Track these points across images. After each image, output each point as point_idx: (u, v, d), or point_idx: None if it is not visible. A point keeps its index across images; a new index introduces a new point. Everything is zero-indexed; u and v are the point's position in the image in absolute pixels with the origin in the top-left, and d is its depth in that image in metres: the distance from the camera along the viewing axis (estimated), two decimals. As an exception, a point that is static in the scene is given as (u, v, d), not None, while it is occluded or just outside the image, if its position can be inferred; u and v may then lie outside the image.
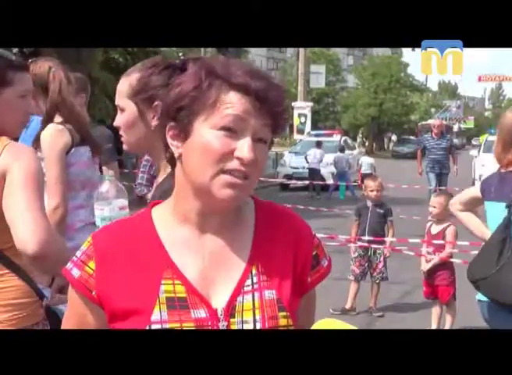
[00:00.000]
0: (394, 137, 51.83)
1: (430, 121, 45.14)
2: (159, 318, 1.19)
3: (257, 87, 1.17)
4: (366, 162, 18.05)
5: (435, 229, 5.67)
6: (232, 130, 1.17)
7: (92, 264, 1.23)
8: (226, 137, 1.17)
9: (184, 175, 1.24)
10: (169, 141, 1.24)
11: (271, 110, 1.19)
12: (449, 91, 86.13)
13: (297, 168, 18.74)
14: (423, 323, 5.57)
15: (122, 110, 1.86)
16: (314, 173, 17.47)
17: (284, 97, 1.22)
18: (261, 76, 1.20)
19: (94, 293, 1.23)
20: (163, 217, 1.28)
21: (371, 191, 6.30)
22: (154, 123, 1.75)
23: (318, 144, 18.25)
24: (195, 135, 1.19)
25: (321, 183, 17.02)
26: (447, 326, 5.45)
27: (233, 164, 1.18)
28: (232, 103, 1.17)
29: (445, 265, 5.54)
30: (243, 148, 1.17)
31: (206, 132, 1.18)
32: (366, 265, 6.31)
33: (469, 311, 5.82)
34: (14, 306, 2.08)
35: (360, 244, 6.28)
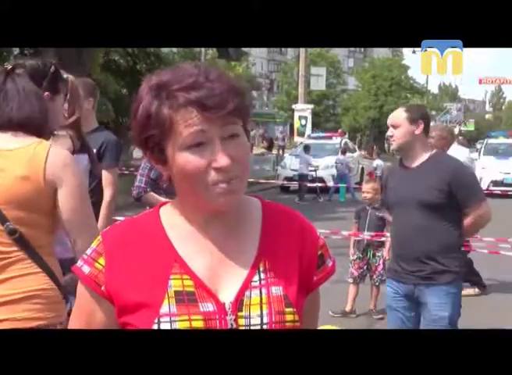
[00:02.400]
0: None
1: (431, 124, 45.21)
2: (168, 311, 1.21)
3: (197, 99, 1.17)
4: (380, 165, 18.01)
5: None
6: (198, 145, 1.19)
7: (102, 260, 1.26)
8: (196, 153, 1.19)
9: (179, 192, 1.27)
10: (155, 165, 1.27)
11: (220, 112, 1.18)
12: (449, 93, 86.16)
13: (298, 170, 18.73)
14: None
15: None
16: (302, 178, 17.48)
17: (231, 90, 1.20)
18: (199, 80, 1.19)
19: (103, 288, 1.25)
20: (170, 215, 1.30)
21: (366, 193, 6.31)
22: None
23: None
24: (170, 161, 1.22)
25: (320, 185, 17.05)
26: None
27: (215, 176, 1.19)
28: (184, 120, 1.18)
29: None
30: (216, 157, 1.19)
31: (177, 156, 1.20)
32: (365, 267, 6.30)
33: (470, 311, 5.84)
34: (39, 297, 2.12)
35: (365, 235, 6.26)
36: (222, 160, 1.18)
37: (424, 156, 3.64)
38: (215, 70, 1.23)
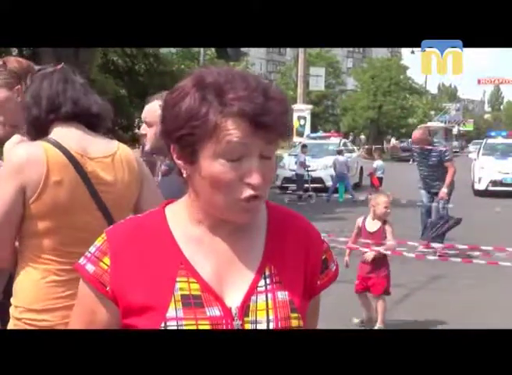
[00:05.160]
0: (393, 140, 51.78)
1: (430, 124, 45.18)
2: (174, 315, 1.19)
3: (253, 112, 1.15)
4: (381, 165, 18.00)
5: (373, 226, 5.88)
6: (237, 156, 1.17)
7: (107, 260, 1.24)
8: (232, 164, 1.17)
9: (195, 193, 1.25)
10: (175, 159, 1.24)
11: (270, 131, 1.17)
12: (448, 93, 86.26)
13: (295, 170, 18.72)
14: (422, 327, 5.57)
15: None
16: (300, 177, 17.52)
17: (284, 110, 1.19)
18: (256, 95, 1.16)
19: (108, 288, 1.23)
20: (177, 217, 1.29)
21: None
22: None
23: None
24: (201, 164, 1.19)
25: (312, 185, 17.22)
26: (379, 318, 5.68)
27: (245, 192, 1.18)
28: (231, 130, 1.15)
29: (380, 260, 5.76)
30: (251, 174, 1.17)
31: (211, 162, 1.17)
32: None
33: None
34: None
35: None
36: (257, 178, 1.17)
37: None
38: (273, 87, 1.21)
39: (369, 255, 5.75)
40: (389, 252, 5.87)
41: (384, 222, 5.87)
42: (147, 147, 2.85)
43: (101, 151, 2.14)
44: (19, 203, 2.01)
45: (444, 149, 9.45)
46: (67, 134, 2.11)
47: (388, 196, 6.01)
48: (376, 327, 5.63)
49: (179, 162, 1.23)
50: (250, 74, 1.23)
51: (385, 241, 5.80)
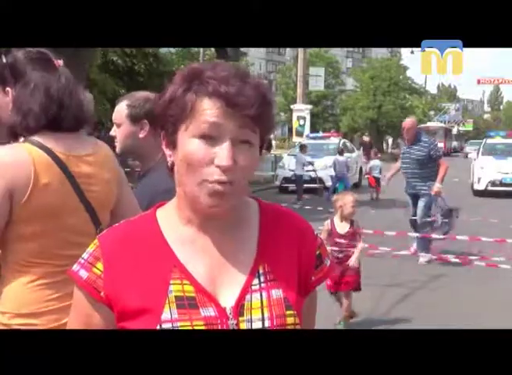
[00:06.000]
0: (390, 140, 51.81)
1: (429, 124, 45.18)
2: (169, 317, 1.19)
3: (227, 93, 1.17)
4: (377, 165, 18.02)
5: (343, 227, 5.86)
6: (210, 137, 1.18)
7: (100, 265, 1.24)
8: (205, 144, 1.18)
9: (178, 184, 1.26)
10: (164, 149, 1.26)
11: (243, 113, 1.18)
12: (448, 93, 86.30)
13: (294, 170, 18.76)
14: (422, 327, 5.57)
15: None
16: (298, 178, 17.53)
17: (260, 98, 1.20)
18: (235, 80, 1.19)
19: (102, 293, 1.23)
20: (168, 218, 1.29)
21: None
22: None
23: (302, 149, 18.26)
24: (179, 144, 1.21)
25: (317, 186, 17.24)
26: (344, 310, 5.78)
27: (214, 173, 1.18)
28: (207, 109, 1.18)
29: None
30: (221, 155, 1.18)
31: (186, 141, 1.19)
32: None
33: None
34: None
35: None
36: (225, 160, 1.17)
37: (148, 167, 2.71)
38: (253, 78, 1.24)
39: (355, 261, 5.76)
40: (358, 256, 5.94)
41: (351, 222, 5.87)
42: (118, 148, 2.73)
43: (84, 150, 2.11)
44: (4, 207, 1.93)
45: (431, 143, 8.65)
46: (48, 134, 2.06)
47: (354, 195, 6.03)
48: (339, 326, 5.71)
49: (166, 150, 1.26)
50: (234, 65, 1.26)
51: (357, 243, 5.84)
